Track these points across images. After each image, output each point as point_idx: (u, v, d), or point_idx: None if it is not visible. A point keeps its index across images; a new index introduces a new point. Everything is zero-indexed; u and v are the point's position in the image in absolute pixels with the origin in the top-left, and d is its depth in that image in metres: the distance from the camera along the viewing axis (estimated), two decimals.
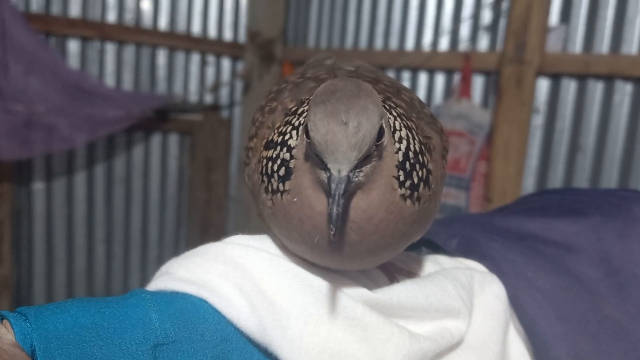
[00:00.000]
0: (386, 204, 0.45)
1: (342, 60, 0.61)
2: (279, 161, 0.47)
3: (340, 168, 0.40)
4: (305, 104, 0.49)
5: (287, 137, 0.47)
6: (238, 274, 0.50)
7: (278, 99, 0.54)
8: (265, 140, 0.50)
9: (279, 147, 0.47)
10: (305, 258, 0.50)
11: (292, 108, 0.50)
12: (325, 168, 0.41)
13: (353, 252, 0.46)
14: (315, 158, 0.42)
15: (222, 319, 0.48)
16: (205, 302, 0.49)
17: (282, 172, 0.46)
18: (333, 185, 0.40)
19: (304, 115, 0.47)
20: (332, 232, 0.40)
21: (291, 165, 0.46)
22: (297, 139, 0.46)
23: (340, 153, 0.40)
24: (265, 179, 0.49)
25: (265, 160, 0.49)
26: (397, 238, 0.48)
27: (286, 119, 0.49)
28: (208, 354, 0.47)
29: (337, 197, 0.40)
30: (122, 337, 0.43)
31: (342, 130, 0.40)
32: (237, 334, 0.49)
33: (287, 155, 0.46)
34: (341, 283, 0.51)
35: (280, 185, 0.46)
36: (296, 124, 0.47)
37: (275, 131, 0.49)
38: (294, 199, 0.45)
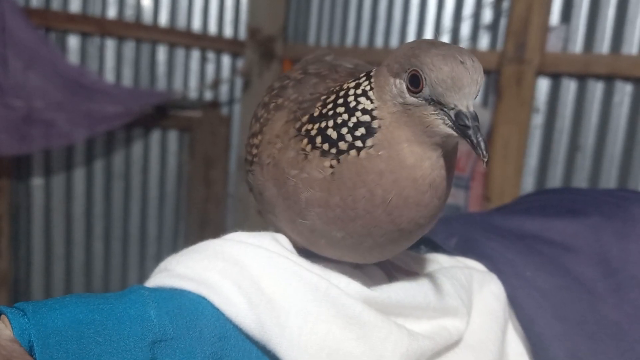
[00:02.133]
0: (448, 167, 0.48)
1: (341, 57, 0.61)
2: (351, 123, 0.46)
3: (468, 104, 0.42)
4: (353, 81, 0.49)
5: (353, 104, 0.47)
6: (237, 271, 0.50)
7: (283, 96, 0.53)
8: (308, 116, 0.49)
9: (346, 115, 0.47)
10: (332, 236, 0.49)
11: (332, 88, 0.50)
12: (442, 109, 0.42)
13: (404, 221, 0.47)
14: (425, 104, 0.43)
15: (221, 316, 0.48)
16: (204, 299, 0.49)
17: (359, 132, 0.46)
18: (468, 121, 0.41)
19: (355, 87, 0.47)
20: (484, 160, 0.41)
21: (375, 126, 0.46)
22: (372, 103, 0.46)
23: (467, 88, 0.41)
24: (325, 146, 0.47)
25: (317, 130, 0.48)
26: (432, 216, 0.49)
27: (330, 97, 0.49)
28: (206, 350, 0.47)
29: (477, 129, 0.41)
30: (121, 333, 0.43)
31: (463, 67, 0.41)
32: (236, 331, 0.49)
33: (367, 118, 0.46)
34: (340, 281, 0.51)
35: (359, 142, 0.46)
36: (359, 92, 0.47)
37: (323, 103, 0.49)
38: (379, 152, 0.45)
